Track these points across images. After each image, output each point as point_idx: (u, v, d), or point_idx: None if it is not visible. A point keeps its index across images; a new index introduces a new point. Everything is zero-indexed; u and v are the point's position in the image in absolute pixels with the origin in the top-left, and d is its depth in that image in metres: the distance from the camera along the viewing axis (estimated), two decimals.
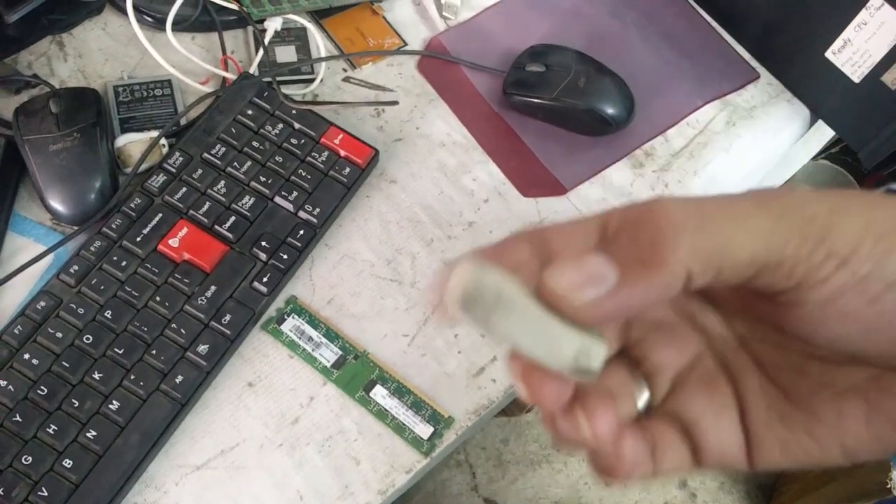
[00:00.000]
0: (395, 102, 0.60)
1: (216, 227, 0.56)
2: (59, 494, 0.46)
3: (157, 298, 0.53)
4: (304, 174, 0.59)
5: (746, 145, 0.67)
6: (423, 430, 0.53)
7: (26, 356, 0.50)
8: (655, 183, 0.64)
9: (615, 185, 0.64)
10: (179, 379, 0.51)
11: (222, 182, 0.58)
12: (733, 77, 0.70)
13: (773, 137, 0.69)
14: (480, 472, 1.30)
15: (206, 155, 0.59)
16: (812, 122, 0.70)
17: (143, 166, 0.58)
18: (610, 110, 0.63)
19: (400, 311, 0.57)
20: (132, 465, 0.48)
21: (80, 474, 0.47)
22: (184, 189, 0.57)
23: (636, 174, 0.64)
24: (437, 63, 0.67)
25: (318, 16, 0.68)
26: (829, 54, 0.65)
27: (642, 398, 0.27)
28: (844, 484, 1.15)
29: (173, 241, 0.55)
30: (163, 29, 0.62)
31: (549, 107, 0.63)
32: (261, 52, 0.64)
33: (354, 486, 0.51)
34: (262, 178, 0.58)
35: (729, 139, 0.67)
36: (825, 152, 1.30)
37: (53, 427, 0.48)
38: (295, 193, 0.58)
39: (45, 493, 0.46)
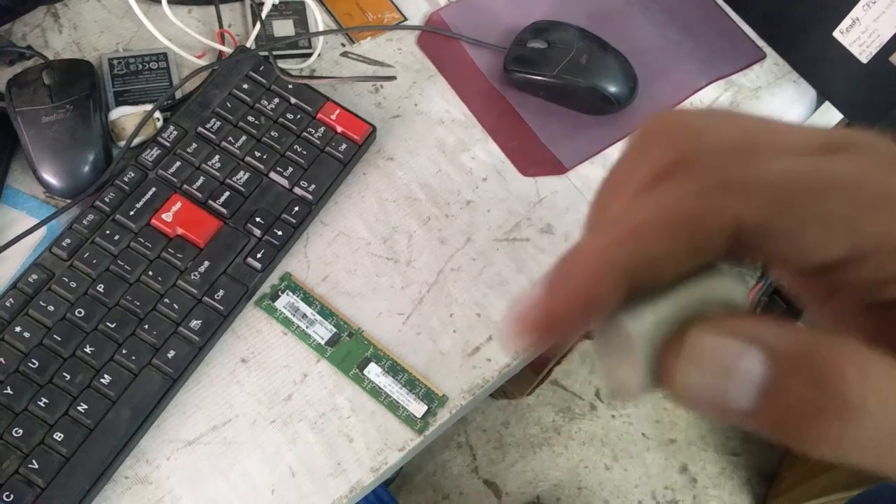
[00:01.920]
0: (393, 78, 0.60)
1: (210, 202, 0.56)
2: (50, 467, 0.46)
3: (150, 273, 0.53)
4: (299, 150, 0.58)
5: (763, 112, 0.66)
6: (417, 408, 0.53)
7: (17, 329, 0.49)
8: None
9: None
10: (172, 354, 0.50)
11: (217, 157, 0.57)
12: (739, 57, 0.69)
13: (796, 103, 0.68)
14: (481, 454, 1.30)
15: (200, 129, 0.58)
16: (818, 104, 0.69)
17: (137, 140, 0.57)
18: (612, 89, 0.62)
19: (395, 290, 0.57)
20: (123, 439, 0.48)
21: (70, 447, 0.47)
22: (178, 163, 0.56)
23: None
24: (437, 39, 0.66)
25: None
26: (836, 34, 0.64)
27: None
28: (845, 470, 1.14)
29: (167, 216, 0.54)
30: (159, 1, 0.62)
31: (550, 84, 0.62)
32: (258, 25, 0.63)
33: (347, 464, 0.51)
34: (258, 154, 0.58)
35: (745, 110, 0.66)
36: None
37: (44, 400, 0.48)
38: (290, 169, 0.58)
39: (36, 466, 0.46)
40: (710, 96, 0.67)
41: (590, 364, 1.39)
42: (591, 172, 0.62)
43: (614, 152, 0.63)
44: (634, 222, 0.18)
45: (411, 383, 0.54)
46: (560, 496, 1.29)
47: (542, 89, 0.63)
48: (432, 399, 0.53)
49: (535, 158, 0.62)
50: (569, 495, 1.30)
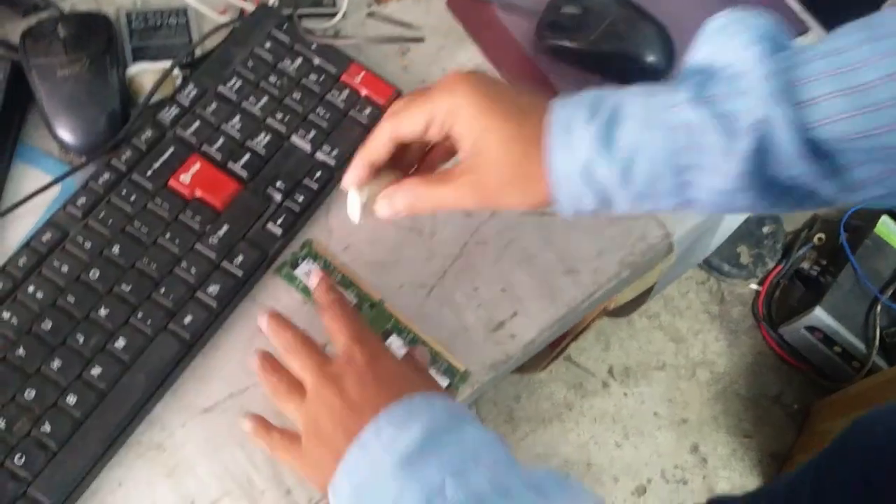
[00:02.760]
0: (421, 40, 0.57)
1: (229, 164, 0.54)
2: (63, 430, 0.45)
3: (167, 235, 0.51)
4: (322, 113, 0.56)
5: None
6: (439, 382, 0.52)
7: (30, 289, 0.48)
8: None
9: None
10: (188, 319, 0.49)
11: (237, 117, 0.55)
12: None
13: None
14: (491, 428, 1.29)
15: (220, 88, 0.56)
16: None
17: (155, 97, 0.56)
18: (649, 58, 0.59)
19: (418, 262, 0.55)
20: (138, 404, 0.47)
21: (84, 411, 0.46)
22: (197, 123, 0.55)
23: None
24: (467, 1, 0.63)
25: None
26: (887, 7, 0.61)
27: None
28: None
29: (185, 177, 0.53)
30: None
31: (585, 52, 0.60)
32: None
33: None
34: (279, 116, 0.56)
35: None
36: None
37: (58, 362, 0.47)
38: (312, 133, 0.56)
39: (49, 429, 0.45)
40: None
41: (604, 341, 1.38)
42: None
43: None
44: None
45: (433, 357, 0.52)
46: (569, 472, 1.29)
47: (576, 57, 0.61)
48: (454, 374, 0.52)
49: None
50: (578, 472, 1.30)
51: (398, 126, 0.45)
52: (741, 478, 1.33)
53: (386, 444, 0.39)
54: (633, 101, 0.42)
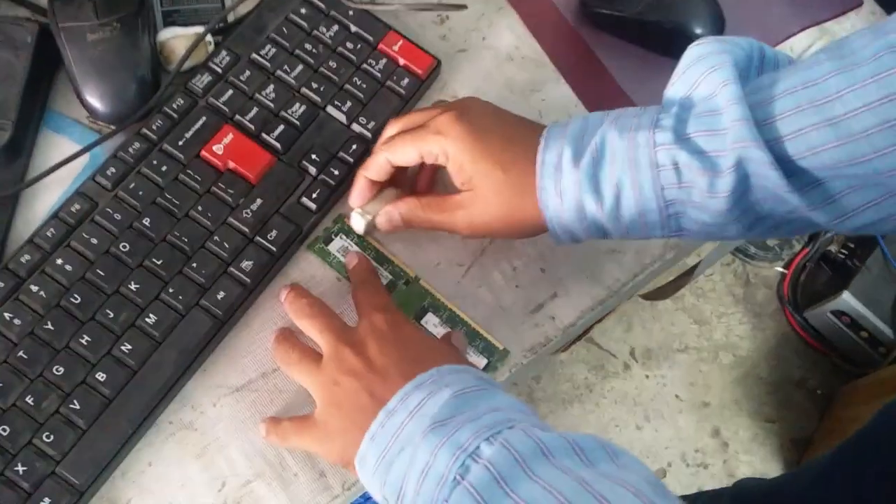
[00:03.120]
0: (462, 6, 0.55)
1: (263, 135, 0.52)
2: (91, 408, 0.44)
3: (199, 208, 0.49)
4: (358, 83, 0.54)
5: None
6: (477, 361, 0.50)
7: (59, 261, 0.46)
8: None
9: None
10: (221, 295, 0.47)
11: (271, 86, 0.53)
12: (833, 3, 0.63)
13: None
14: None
15: (254, 56, 0.54)
16: None
17: (187, 64, 0.53)
18: (698, 29, 0.56)
19: (456, 240, 0.53)
20: (168, 382, 0.46)
21: (113, 389, 0.44)
22: (230, 91, 0.53)
23: None
24: None
25: None
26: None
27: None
28: None
29: (217, 148, 0.51)
30: None
31: (630, 22, 0.57)
32: None
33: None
34: (314, 85, 0.54)
35: None
36: None
37: (86, 338, 0.45)
38: (349, 103, 0.53)
39: (77, 406, 0.44)
40: (802, 44, 0.61)
41: (626, 323, 1.36)
42: None
43: None
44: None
45: (471, 335, 0.50)
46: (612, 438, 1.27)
47: (621, 28, 0.58)
48: (493, 353, 0.50)
49: (610, 103, 0.57)
50: None
51: (393, 156, 0.48)
52: (762, 463, 1.31)
53: (413, 409, 0.38)
54: (616, 137, 0.43)
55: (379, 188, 0.50)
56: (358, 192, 0.49)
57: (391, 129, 0.49)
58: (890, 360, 1.27)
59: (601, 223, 0.44)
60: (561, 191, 0.44)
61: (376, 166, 0.48)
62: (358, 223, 0.50)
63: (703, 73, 0.42)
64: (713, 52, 0.42)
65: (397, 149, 0.47)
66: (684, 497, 0.66)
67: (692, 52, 0.43)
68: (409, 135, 0.47)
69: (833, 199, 0.40)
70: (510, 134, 0.46)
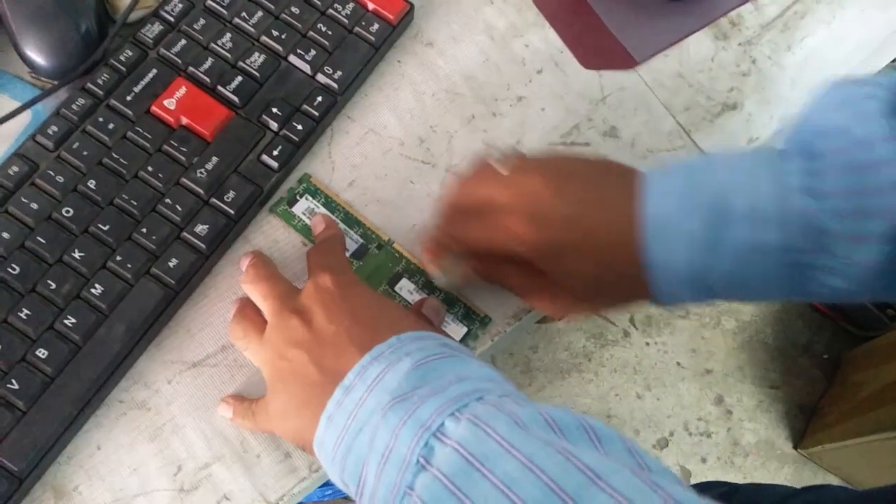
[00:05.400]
0: None
1: (219, 88, 0.48)
2: (31, 388, 0.40)
3: (149, 168, 0.45)
4: (323, 29, 0.50)
5: (851, 18, 0.56)
6: (455, 329, 0.46)
7: None
8: (741, 58, 0.54)
9: (693, 60, 0.54)
10: (173, 263, 0.43)
11: (228, 35, 0.49)
12: None
13: (884, 11, 0.58)
14: (507, 378, 1.25)
15: (210, 2, 0.49)
16: None
17: (136, 13, 0.49)
18: None
19: (432, 199, 0.49)
20: (117, 358, 0.42)
21: (55, 366, 0.41)
22: (183, 41, 0.48)
23: (719, 47, 0.54)
24: None
25: None
26: None
27: None
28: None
29: (169, 103, 0.46)
30: None
31: None
32: None
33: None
34: (275, 33, 0.49)
35: (831, 10, 0.56)
36: None
37: (26, 311, 0.41)
38: (313, 52, 0.49)
39: (16, 386, 0.40)
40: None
41: None
42: (665, 67, 0.53)
43: (692, 44, 0.54)
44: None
45: (449, 302, 0.46)
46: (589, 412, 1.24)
47: None
48: (472, 320, 0.46)
49: (599, 49, 0.52)
50: None
51: (462, 240, 0.43)
52: (767, 430, 1.28)
53: (371, 383, 0.34)
54: (738, 189, 0.36)
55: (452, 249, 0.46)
56: (429, 253, 0.45)
57: (454, 195, 0.44)
58: None
59: (715, 289, 0.39)
60: (673, 253, 0.38)
61: (441, 238, 0.45)
62: (438, 279, 0.46)
63: (844, 110, 0.36)
64: (850, 90, 0.37)
65: (466, 235, 0.43)
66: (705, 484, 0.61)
67: (832, 92, 0.38)
68: (471, 225, 0.43)
69: None
70: (592, 183, 0.41)
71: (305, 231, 0.47)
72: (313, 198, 0.48)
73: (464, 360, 0.35)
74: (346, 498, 1.13)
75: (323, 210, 0.47)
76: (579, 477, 0.27)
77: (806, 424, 1.28)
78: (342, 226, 0.47)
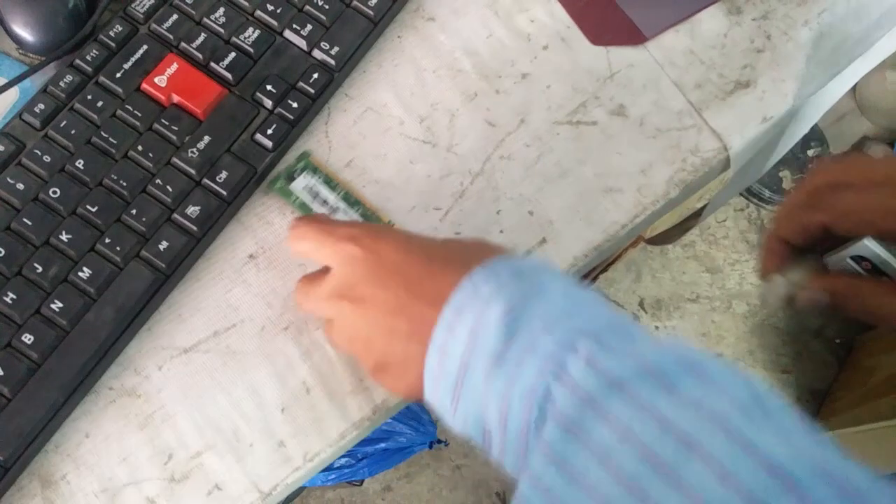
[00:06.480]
0: None
1: (212, 64, 0.46)
2: (17, 374, 0.39)
3: (140, 148, 0.44)
4: (320, 3, 0.48)
5: None
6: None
7: None
8: (755, 34, 0.52)
9: (705, 35, 0.51)
10: (164, 245, 0.42)
11: (221, 9, 0.47)
12: None
13: None
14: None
15: None
16: None
17: None
18: None
19: (433, 180, 0.47)
20: (106, 344, 0.41)
21: (42, 352, 0.39)
22: (175, 16, 0.47)
23: (732, 22, 0.52)
24: None
25: None
26: None
27: None
28: None
29: (160, 80, 0.45)
30: None
31: None
32: None
33: (371, 380, 0.43)
34: (270, 7, 0.47)
35: None
36: None
37: (11, 295, 0.40)
38: (309, 27, 0.47)
39: (1, 373, 0.39)
40: None
41: (635, 272, 1.30)
42: (676, 43, 0.51)
43: (704, 19, 0.52)
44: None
45: None
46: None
47: None
48: None
49: (607, 24, 0.50)
50: None
51: (828, 212, 0.41)
52: None
53: (467, 341, 0.33)
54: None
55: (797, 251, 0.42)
56: (767, 256, 0.43)
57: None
58: None
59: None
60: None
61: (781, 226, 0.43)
62: (773, 294, 0.42)
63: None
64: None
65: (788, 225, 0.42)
66: None
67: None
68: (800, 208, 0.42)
69: None
70: None
71: (303, 209, 0.45)
72: (314, 175, 0.46)
73: (543, 289, 0.34)
74: (350, 482, 1.12)
75: (323, 188, 0.46)
76: (678, 447, 0.27)
77: (817, 409, 1.27)
78: (343, 205, 0.45)
